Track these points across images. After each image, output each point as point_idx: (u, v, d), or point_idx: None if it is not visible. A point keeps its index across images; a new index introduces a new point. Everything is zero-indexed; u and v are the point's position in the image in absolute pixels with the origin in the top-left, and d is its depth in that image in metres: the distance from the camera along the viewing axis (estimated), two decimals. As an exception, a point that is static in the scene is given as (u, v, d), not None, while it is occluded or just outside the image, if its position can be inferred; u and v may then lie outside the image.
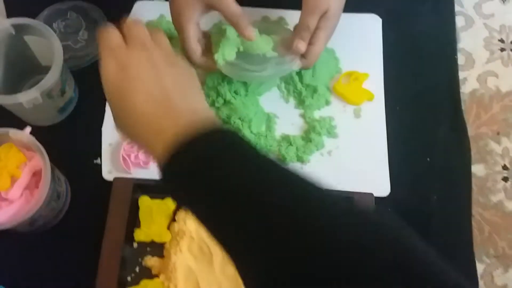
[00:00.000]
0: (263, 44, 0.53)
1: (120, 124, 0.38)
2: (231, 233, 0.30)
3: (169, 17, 0.63)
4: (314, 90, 0.59)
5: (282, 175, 0.31)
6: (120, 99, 0.36)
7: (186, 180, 0.32)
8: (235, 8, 0.48)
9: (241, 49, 0.53)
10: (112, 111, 0.38)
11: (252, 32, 0.49)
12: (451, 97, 0.61)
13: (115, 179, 0.54)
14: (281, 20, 0.64)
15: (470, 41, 0.66)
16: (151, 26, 0.60)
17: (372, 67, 0.61)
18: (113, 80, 0.37)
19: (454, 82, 0.62)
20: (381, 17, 0.64)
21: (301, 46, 0.51)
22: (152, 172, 0.56)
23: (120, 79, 0.36)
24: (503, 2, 0.68)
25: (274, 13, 0.64)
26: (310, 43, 0.52)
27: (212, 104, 0.60)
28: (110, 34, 0.38)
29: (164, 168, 0.33)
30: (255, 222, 0.29)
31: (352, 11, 0.63)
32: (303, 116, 0.60)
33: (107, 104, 0.59)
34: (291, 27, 0.62)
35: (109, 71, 0.37)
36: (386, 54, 0.62)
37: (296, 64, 0.53)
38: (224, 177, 0.31)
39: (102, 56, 0.38)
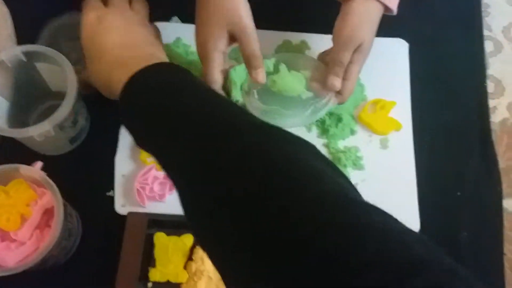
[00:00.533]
0: (297, 84, 0.50)
1: (90, 66, 0.44)
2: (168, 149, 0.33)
3: (185, 40, 0.60)
4: (339, 119, 0.57)
5: (214, 103, 0.34)
6: (94, 43, 0.43)
7: (133, 102, 0.37)
8: (255, 47, 0.47)
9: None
10: (85, 55, 0.44)
11: (263, 77, 0.48)
12: (480, 126, 0.59)
13: (129, 214, 0.51)
14: (303, 44, 0.61)
15: (500, 67, 0.63)
16: (168, 49, 0.58)
17: (399, 95, 0.59)
18: (89, 28, 0.43)
19: (483, 110, 0.59)
20: (408, 42, 0.61)
21: (337, 83, 0.49)
22: (168, 206, 0.53)
23: (96, 26, 0.43)
24: (533, 26, 0.65)
25: (296, 36, 0.62)
26: (344, 78, 0.49)
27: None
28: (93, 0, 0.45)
29: (120, 97, 0.38)
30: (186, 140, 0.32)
31: (377, 35, 0.60)
32: (326, 146, 0.57)
33: (120, 132, 0.57)
34: (313, 52, 0.60)
35: (87, 20, 0.44)
36: (413, 81, 0.60)
37: (331, 102, 0.51)
38: (163, 100, 0.35)
39: (84, 10, 0.44)
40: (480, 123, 0.59)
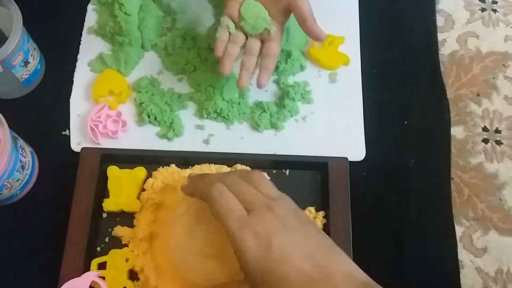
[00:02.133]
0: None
1: None
2: None
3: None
4: (288, 55, 0.58)
5: None
6: (268, 281, 0.34)
7: None
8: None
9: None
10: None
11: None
12: (430, 59, 0.60)
13: (83, 149, 0.52)
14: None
15: (450, 1, 0.63)
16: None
17: (348, 30, 0.60)
18: (257, 261, 0.34)
19: (433, 43, 0.60)
20: (356, -23, 0.62)
21: None
22: (120, 142, 0.55)
23: (265, 259, 0.34)
24: (484, -40, 0.65)
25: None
26: None
27: (182, 71, 0.58)
28: (227, 201, 0.37)
29: None
30: None
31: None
32: (277, 82, 0.58)
33: (75, 74, 0.58)
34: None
35: (249, 249, 0.35)
36: (362, 16, 0.60)
37: None
38: None
39: (234, 231, 0.36)
40: (429, 55, 0.59)
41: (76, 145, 0.55)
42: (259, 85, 0.52)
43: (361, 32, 0.60)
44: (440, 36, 0.61)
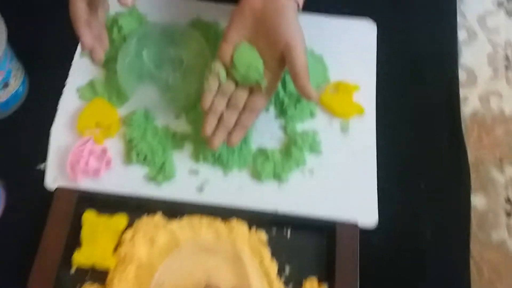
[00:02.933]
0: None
1: None
2: None
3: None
4: (298, 100, 0.53)
5: None
6: None
7: None
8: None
9: None
10: None
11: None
12: (450, 116, 0.55)
13: (58, 188, 0.46)
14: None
15: (473, 56, 0.60)
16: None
17: (364, 78, 0.55)
18: None
19: (454, 100, 0.56)
20: (376, 23, 0.57)
21: None
22: (103, 183, 0.48)
23: None
24: (509, 16, 0.62)
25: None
26: None
27: (181, 107, 0.52)
28: None
29: None
30: None
31: (344, 13, 0.57)
32: (283, 128, 0.53)
33: (61, 100, 0.52)
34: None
35: None
36: (380, 65, 0.56)
37: None
38: None
39: None
40: (450, 113, 0.55)
41: (51, 182, 0.48)
42: (229, 144, 0.47)
43: (377, 82, 0.55)
44: (462, 93, 0.57)
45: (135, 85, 0.52)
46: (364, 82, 0.55)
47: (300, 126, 0.53)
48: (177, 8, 0.58)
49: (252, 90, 0.47)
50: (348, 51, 0.56)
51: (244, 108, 0.47)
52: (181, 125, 0.52)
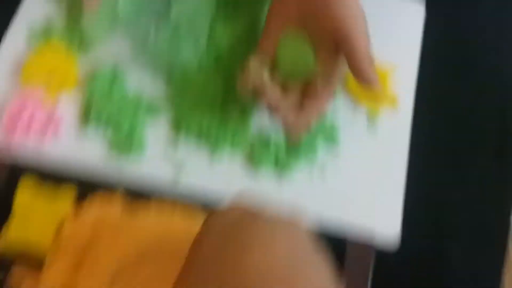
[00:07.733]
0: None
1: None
2: None
3: None
4: (316, 78, 0.42)
5: None
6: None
7: None
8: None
9: None
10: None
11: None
12: (500, 125, 0.46)
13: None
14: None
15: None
16: None
17: (402, 64, 0.45)
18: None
19: (507, 106, 0.47)
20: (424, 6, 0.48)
21: None
22: (47, 150, 0.37)
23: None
24: None
25: None
26: None
27: (167, 68, 0.42)
28: None
29: None
30: None
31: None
32: (294, 109, 0.42)
33: (3, 42, 0.42)
34: None
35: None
36: (423, 54, 0.46)
37: None
38: None
39: None
40: (501, 120, 0.46)
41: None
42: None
43: (419, 72, 0.45)
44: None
45: (104, 34, 0.41)
46: (402, 69, 0.44)
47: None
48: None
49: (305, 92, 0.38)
50: (387, 32, 0.46)
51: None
52: (159, 87, 0.41)
